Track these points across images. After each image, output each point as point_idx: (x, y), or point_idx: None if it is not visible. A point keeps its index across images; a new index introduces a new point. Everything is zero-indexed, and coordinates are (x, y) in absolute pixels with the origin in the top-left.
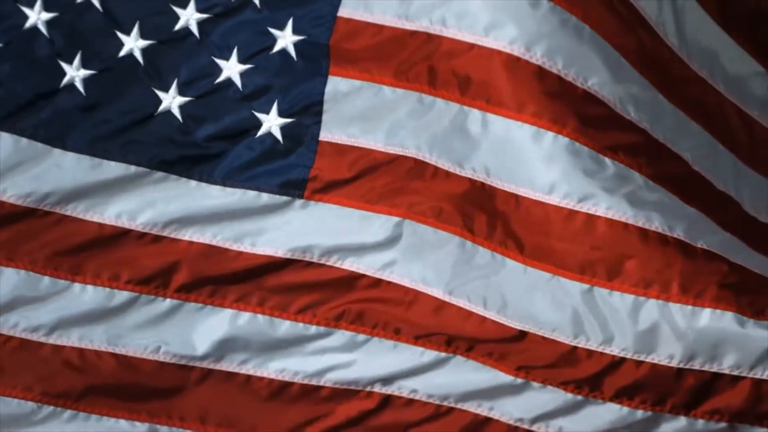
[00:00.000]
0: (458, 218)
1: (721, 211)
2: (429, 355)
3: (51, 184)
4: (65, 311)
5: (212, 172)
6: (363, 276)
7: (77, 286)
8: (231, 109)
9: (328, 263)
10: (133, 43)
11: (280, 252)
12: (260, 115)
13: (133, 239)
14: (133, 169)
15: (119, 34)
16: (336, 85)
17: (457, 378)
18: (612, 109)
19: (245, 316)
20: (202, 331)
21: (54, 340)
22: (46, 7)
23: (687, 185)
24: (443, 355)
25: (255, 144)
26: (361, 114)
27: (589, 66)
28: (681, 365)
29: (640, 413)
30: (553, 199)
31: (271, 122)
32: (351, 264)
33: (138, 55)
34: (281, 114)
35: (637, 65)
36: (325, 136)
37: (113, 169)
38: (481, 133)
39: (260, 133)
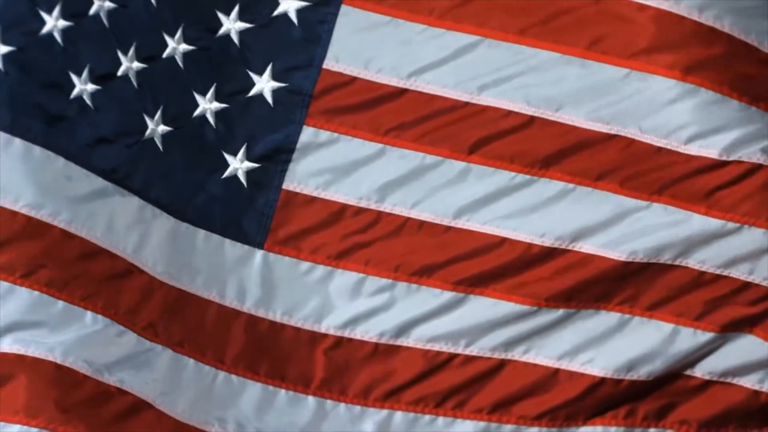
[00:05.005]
0: None
1: None
2: None
3: (59, 196)
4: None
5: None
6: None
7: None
8: (203, 146)
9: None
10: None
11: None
12: (228, 157)
13: None
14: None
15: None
16: (310, 135)
17: None
18: None
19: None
20: None
21: None
22: (64, 16)
23: None
24: None
25: (219, 186)
26: (333, 167)
27: None
28: None
29: None
30: None
31: (238, 165)
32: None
33: (132, 76)
34: (249, 158)
35: None
36: (288, 185)
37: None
38: None
39: (225, 174)
